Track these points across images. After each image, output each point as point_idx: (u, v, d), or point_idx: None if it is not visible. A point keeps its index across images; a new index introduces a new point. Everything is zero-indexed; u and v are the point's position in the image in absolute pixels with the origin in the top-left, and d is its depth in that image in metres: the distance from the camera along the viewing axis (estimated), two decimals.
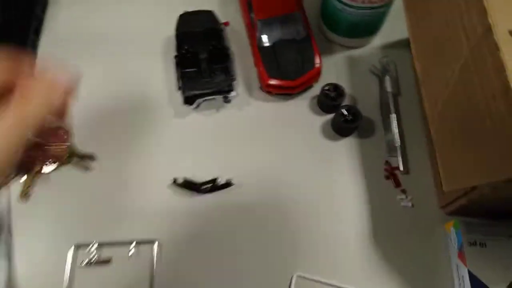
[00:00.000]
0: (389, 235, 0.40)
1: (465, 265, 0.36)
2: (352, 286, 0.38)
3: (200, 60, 0.47)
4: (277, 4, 0.48)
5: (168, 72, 0.49)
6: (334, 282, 0.38)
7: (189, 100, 0.46)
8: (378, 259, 0.39)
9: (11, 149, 0.22)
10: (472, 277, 0.36)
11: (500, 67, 0.29)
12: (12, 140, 0.22)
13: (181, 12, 0.49)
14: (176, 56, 0.47)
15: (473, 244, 0.37)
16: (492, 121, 0.30)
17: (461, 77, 0.34)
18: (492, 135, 0.30)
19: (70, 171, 0.43)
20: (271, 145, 0.45)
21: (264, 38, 0.48)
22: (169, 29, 0.49)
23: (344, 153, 0.44)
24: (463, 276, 0.36)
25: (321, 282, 0.38)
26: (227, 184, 0.42)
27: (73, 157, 0.43)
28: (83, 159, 0.43)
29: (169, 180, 0.42)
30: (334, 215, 0.41)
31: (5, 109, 0.22)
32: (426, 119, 0.43)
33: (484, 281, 0.35)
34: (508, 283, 0.35)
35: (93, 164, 0.44)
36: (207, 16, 0.50)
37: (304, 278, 0.38)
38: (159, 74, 0.49)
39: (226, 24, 0.52)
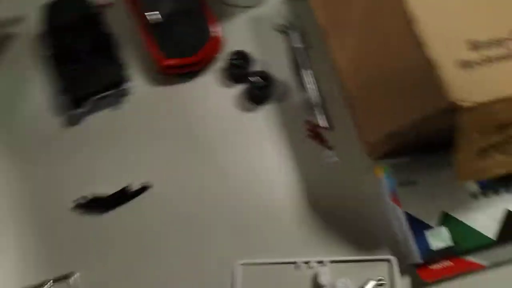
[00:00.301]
0: (323, 194, 0.39)
1: (400, 206, 0.36)
2: (296, 257, 0.36)
3: (80, 54, 0.40)
4: None
5: (45, 76, 0.41)
6: (278, 259, 0.36)
7: (77, 103, 0.39)
8: (316, 222, 0.38)
9: None
10: (409, 217, 0.35)
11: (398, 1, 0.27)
12: None
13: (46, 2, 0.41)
14: (49, 56, 0.40)
15: (404, 184, 0.37)
16: (401, 57, 0.28)
17: (365, 18, 0.32)
18: (402, 71, 0.28)
19: None
20: (184, 132, 0.40)
21: (152, 14, 0.41)
22: (36, 25, 0.41)
23: (264, 121, 0.41)
24: (400, 218, 0.36)
25: (265, 263, 0.36)
26: (143, 189, 0.37)
27: None
28: None
29: (71, 202, 0.36)
30: (265, 189, 0.39)
31: None
32: (338, 69, 0.41)
33: (421, 218, 0.35)
34: (440, 213, 0.35)
35: None
36: (78, 2, 0.42)
37: (248, 264, 0.36)
38: (35, 83, 0.41)
39: (107, 4, 0.44)
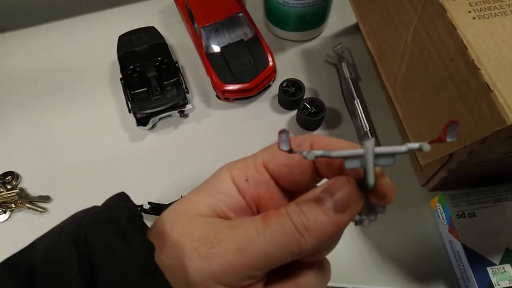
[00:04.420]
0: (375, 223, 0.38)
1: (458, 239, 0.34)
2: (345, 284, 0.35)
3: (148, 78, 0.44)
4: (218, 8, 0.46)
5: (118, 96, 0.46)
6: (329, 283, 0.35)
7: (142, 121, 0.43)
8: (367, 251, 0.37)
9: None
10: (467, 250, 0.34)
11: (451, 28, 0.28)
12: None
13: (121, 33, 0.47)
14: (121, 78, 0.44)
15: (462, 216, 0.35)
16: (455, 84, 0.29)
17: (415, 46, 0.33)
18: (456, 97, 0.29)
19: (25, 216, 0.39)
20: (238, 153, 0.42)
21: (211, 45, 0.46)
22: (113, 53, 0.46)
23: None
24: (458, 251, 0.34)
25: None
26: None
27: (25, 201, 0.39)
28: (36, 201, 0.40)
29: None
30: None
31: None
32: (389, 97, 0.42)
33: (479, 251, 0.34)
34: (503, 250, 0.33)
35: (49, 206, 0.39)
36: (148, 32, 0.47)
37: None
38: (109, 101, 0.46)
39: None
